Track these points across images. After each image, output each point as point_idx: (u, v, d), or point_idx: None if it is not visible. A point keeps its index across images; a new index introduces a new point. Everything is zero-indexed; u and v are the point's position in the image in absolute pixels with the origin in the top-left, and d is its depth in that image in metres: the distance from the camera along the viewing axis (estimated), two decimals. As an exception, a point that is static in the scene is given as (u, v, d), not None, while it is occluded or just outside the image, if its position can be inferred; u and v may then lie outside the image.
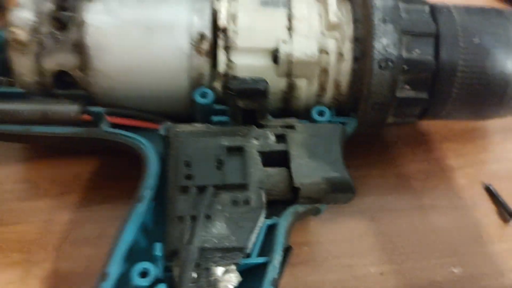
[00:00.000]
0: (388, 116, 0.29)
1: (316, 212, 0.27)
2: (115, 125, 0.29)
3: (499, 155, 0.37)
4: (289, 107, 0.29)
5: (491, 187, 0.34)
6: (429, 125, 0.37)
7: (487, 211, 0.34)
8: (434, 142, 0.36)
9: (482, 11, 0.29)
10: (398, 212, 0.33)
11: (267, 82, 0.26)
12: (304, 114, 0.29)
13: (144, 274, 0.23)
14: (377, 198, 0.34)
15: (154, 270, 0.23)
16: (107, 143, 0.29)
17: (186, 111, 0.29)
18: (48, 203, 0.31)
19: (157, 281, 0.23)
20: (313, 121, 0.28)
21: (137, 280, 0.23)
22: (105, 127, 0.28)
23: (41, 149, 0.33)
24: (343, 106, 0.29)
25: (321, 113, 0.28)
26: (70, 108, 0.28)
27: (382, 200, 0.34)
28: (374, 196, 0.34)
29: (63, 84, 0.29)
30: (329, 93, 0.29)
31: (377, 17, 0.27)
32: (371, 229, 0.32)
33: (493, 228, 0.33)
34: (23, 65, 0.28)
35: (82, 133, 0.28)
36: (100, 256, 0.26)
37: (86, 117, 0.28)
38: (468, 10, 0.29)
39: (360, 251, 0.31)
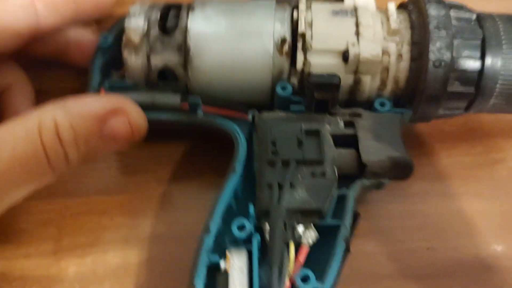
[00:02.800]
0: (439, 108, 0.34)
1: (379, 186, 0.32)
2: (206, 113, 0.35)
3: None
4: (354, 99, 0.34)
5: (530, 179, 0.38)
6: (473, 123, 0.41)
7: (527, 200, 0.37)
8: (478, 138, 0.40)
9: (522, 19, 0.34)
10: (445, 196, 0.37)
11: (339, 77, 0.31)
12: (366, 105, 0.34)
13: (241, 228, 0.29)
14: (427, 184, 0.38)
15: (249, 225, 0.29)
16: (199, 128, 0.34)
17: (266, 102, 0.35)
18: (145, 178, 0.37)
19: (251, 234, 0.29)
20: (375, 110, 0.34)
21: (237, 233, 0.28)
22: (201, 114, 0.34)
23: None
24: (399, 99, 0.34)
25: (382, 104, 0.34)
26: (173, 98, 0.34)
27: (431, 186, 0.38)
28: (424, 182, 0.38)
29: (164, 78, 0.35)
30: (389, 87, 0.34)
31: (432, 24, 0.32)
32: (421, 210, 0.36)
33: (532, 214, 0.37)
34: (135, 63, 0.34)
35: (183, 118, 0.34)
36: (190, 221, 0.32)
37: (185, 105, 0.34)
38: (509, 18, 0.34)
39: (411, 228, 0.36)
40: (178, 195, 0.37)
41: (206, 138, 0.38)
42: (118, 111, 0.30)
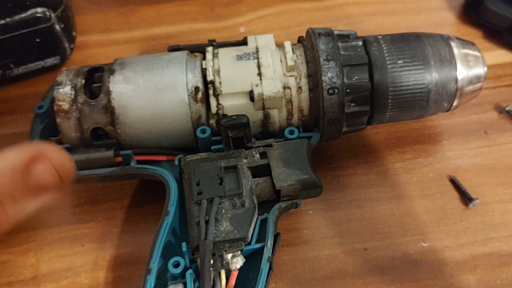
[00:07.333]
0: (342, 127, 0.38)
1: (296, 206, 0.36)
2: (140, 161, 0.38)
3: (461, 153, 0.44)
4: (267, 131, 0.39)
5: (454, 179, 0.42)
6: (403, 131, 0.46)
7: (451, 198, 0.42)
8: (408, 145, 0.45)
9: (403, 38, 0.38)
10: (379, 201, 0.42)
11: (247, 117, 0.36)
12: (279, 133, 0.39)
13: (177, 265, 0.33)
14: (362, 191, 0.42)
15: (183, 262, 0.33)
16: (136, 176, 0.38)
17: (193, 144, 0.39)
18: (111, 206, 0.42)
19: (186, 269, 0.33)
20: (286, 138, 0.38)
21: (172, 270, 0.33)
22: (134, 164, 0.38)
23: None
24: (307, 124, 0.39)
25: (291, 132, 0.38)
26: (106, 154, 0.38)
27: (366, 192, 0.42)
28: (359, 190, 0.42)
29: (97, 136, 0.39)
30: (295, 116, 0.38)
31: (322, 57, 0.36)
32: (357, 215, 0.41)
33: (455, 211, 0.41)
34: (67, 127, 0.38)
35: (117, 171, 0.38)
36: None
37: (118, 159, 0.38)
38: (392, 38, 0.38)
39: (348, 232, 0.40)
40: (141, 220, 0.42)
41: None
42: (37, 158, 0.29)
